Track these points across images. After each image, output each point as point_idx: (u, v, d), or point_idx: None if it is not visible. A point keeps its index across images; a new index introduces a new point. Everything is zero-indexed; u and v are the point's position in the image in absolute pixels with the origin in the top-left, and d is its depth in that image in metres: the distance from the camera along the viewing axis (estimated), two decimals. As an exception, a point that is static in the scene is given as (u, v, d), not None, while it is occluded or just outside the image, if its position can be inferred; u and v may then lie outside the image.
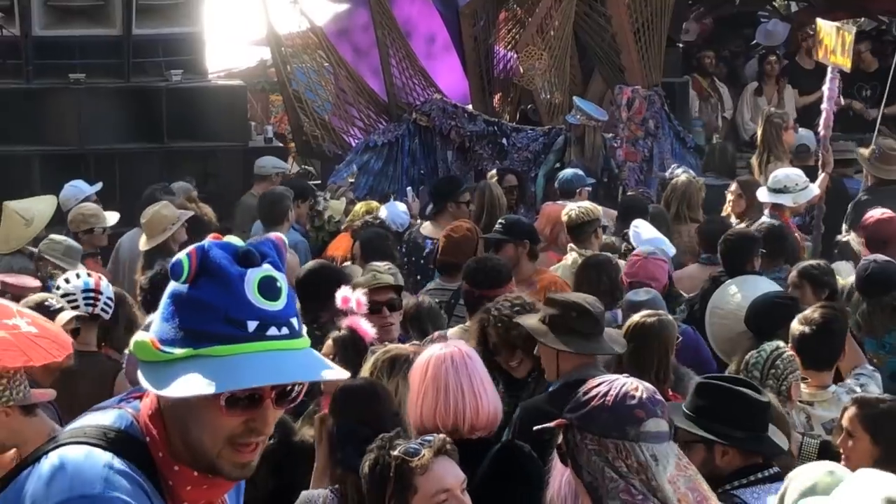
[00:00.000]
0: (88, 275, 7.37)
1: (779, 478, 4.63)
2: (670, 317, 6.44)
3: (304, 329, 2.67)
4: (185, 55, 14.31)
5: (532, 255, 8.50)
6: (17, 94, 13.75)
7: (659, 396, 3.66)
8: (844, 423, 5.33)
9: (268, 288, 2.59)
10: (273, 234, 2.77)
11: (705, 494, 3.56)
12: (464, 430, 4.93)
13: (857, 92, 16.96)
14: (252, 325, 2.56)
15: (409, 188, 12.77)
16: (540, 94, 15.23)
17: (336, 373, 2.66)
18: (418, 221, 11.16)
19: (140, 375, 2.60)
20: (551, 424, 3.68)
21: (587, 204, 9.81)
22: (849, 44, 11.17)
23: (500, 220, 8.84)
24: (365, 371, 5.61)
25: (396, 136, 14.17)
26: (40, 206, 10.43)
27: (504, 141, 13.90)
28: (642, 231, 9.04)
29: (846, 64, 11.24)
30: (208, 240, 2.65)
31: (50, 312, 6.36)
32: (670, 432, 3.59)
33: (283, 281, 2.63)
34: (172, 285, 2.63)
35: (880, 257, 8.15)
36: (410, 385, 5.09)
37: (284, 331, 2.59)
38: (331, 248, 10.57)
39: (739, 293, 8.00)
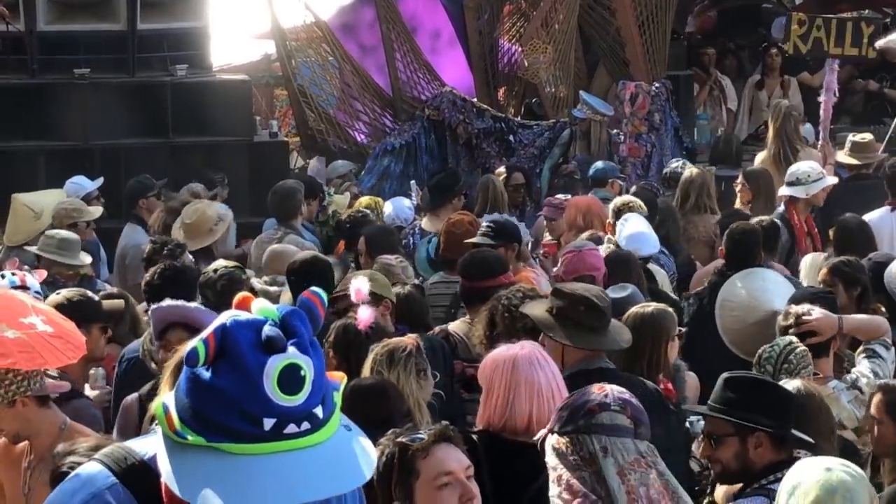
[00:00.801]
0: (13, 273, 7.37)
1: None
2: (668, 309, 6.43)
3: (331, 410, 2.50)
4: (190, 50, 14.28)
5: (520, 256, 8.47)
6: (21, 90, 13.74)
7: (629, 399, 3.64)
8: (872, 410, 5.36)
9: (289, 381, 2.40)
10: (309, 295, 2.62)
11: (663, 492, 3.53)
12: None
13: (878, 82, 16.97)
14: (268, 424, 2.39)
15: (413, 182, 12.77)
16: (544, 87, 15.23)
17: (354, 476, 2.48)
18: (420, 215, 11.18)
19: (158, 443, 2.51)
20: (537, 437, 3.68)
21: (629, 197, 9.80)
22: (867, 35, 11.19)
23: (486, 223, 8.72)
24: (366, 367, 5.63)
25: (413, 136, 14.15)
26: (49, 199, 10.43)
27: (511, 138, 13.88)
28: (626, 226, 9.00)
29: (869, 54, 11.27)
30: (232, 315, 2.47)
31: None
32: (634, 430, 3.57)
33: (307, 367, 2.42)
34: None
35: (880, 256, 8.19)
36: (490, 385, 4.94)
37: (305, 426, 2.42)
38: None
39: (748, 286, 8.02)
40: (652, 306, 6.38)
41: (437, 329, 7.28)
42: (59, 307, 6.27)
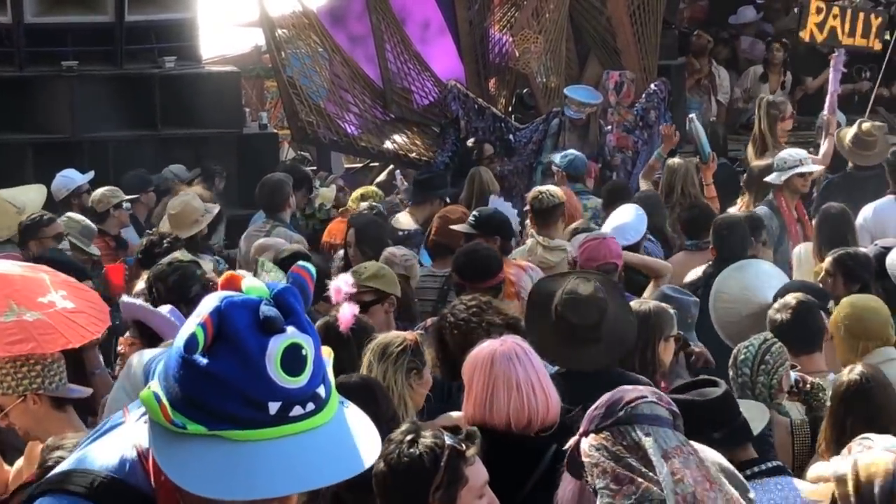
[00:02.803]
0: None
1: (779, 471, 4.59)
2: (667, 309, 6.34)
3: (330, 388, 2.43)
4: (179, 41, 14.23)
5: (503, 249, 8.39)
6: (8, 83, 13.67)
7: (661, 395, 3.61)
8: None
9: (292, 361, 2.32)
10: (299, 271, 2.53)
11: (709, 479, 3.49)
12: (535, 427, 4.82)
13: (856, 73, 16.89)
14: (273, 408, 2.31)
15: (397, 172, 12.74)
16: (536, 77, 15.15)
17: (365, 456, 2.40)
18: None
19: (150, 437, 2.39)
20: (568, 445, 3.63)
21: (553, 187, 9.73)
22: (876, 27, 11.18)
23: (473, 213, 8.67)
24: (365, 353, 5.56)
25: (452, 151, 14.01)
26: (31, 195, 10.40)
27: (511, 137, 13.78)
28: (611, 218, 8.97)
29: (875, 46, 11.27)
30: (224, 296, 2.36)
31: None
32: (672, 421, 3.53)
33: (308, 346, 2.36)
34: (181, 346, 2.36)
35: (889, 241, 8.14)
36: (471, 382, 4.90)
37: (310, 407, 2.34)
38: (327, 235, 10.54)
39: (743, 278, 8.00)
40: (651, 304, 6.33)
41: (428, 321, 7.22)
42: None
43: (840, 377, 5.54)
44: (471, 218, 8.51)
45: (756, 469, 4.57)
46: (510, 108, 15.44)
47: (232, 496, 2.29)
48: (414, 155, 14.56)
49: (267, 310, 2.33)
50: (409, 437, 3.92)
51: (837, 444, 5.36)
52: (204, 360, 2.31)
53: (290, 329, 2.34)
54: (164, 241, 8.36)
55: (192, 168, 13.18)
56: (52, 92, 13.70)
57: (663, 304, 6.42)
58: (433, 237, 8.96)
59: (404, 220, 10.51)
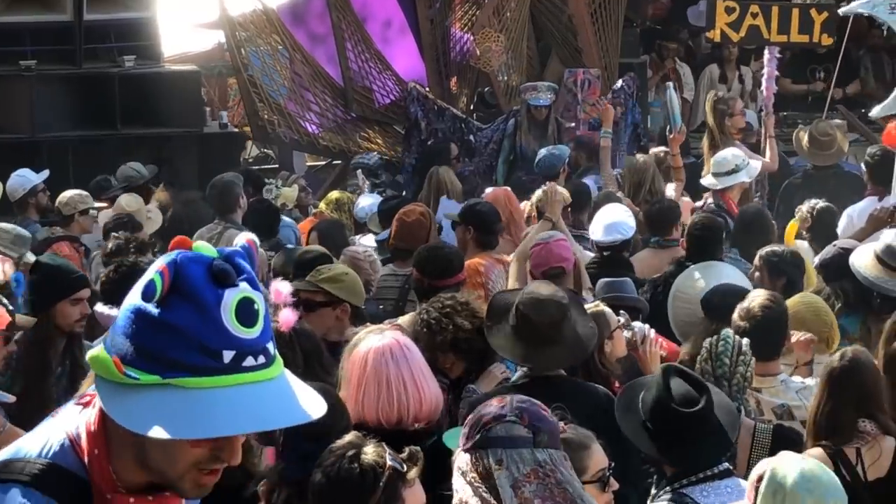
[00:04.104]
0: None
1: (728, 474, 4.60)
2: (602, 311, 6.33)
3: (276, 348, 2.50)
4: (138, 41, 14.18)
5: (478, 242, 8.40)
6: (-33, 82, 13.62)
7: (528, 406, 3.58)
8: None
9: (245, 313, 2.40)
10: (245, 237, 2.61)
11: (566, 501, 3.48)
12: (408, 423, 4.90)
13: (810, 74, 16.97)
14: (228, 356, 2.38)
15: (359, 171, 12.70)
16: (497, 76, 15.17)
17: (308, 409, 2.48)
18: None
19: (100, 397, 2.43)
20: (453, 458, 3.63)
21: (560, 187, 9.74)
22: (820, 22, 11.19)
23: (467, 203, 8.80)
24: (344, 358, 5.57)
25: (418, 152, 13.98)
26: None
27: (471, 138, 13.78)
28: (599, 216, 8.98)
29: (823, 41, 11.29)
30: (179, 251, 2.44)
31: None
32: (533, 438, 3.51)
33: (260, 301, 2.44)
34: (136, 300, 2.42)
35: (848, 242, 8.17)
36: (349, 378, 5.01)
37: (261, 359, 2.42)
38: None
39: (704, 279, 8.00)
40: (597, 307, 6.31)
41: (387, 322, 7.20)
42: None
43: (830, 361, 5.60)
44: (462, 207, 8.66)
45: (709, 472, 4.58)
46: (471, 107, 15.43)
47: (187, 435, 2.36)
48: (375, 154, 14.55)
49: (220, 264, 2.42)
50: (350, 452, 3.85)
51: (828, 431, 5.51)
52: (159, 311, 2.38)
53: (243, 285, 2.43)
54: (131, 245, 8.35)
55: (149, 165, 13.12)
56: (10, 92, 13.62)
57: (600, 308, 6.38)
58: (393, 240, 8.97)
59: (373, 226, 10.50)
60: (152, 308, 2.38)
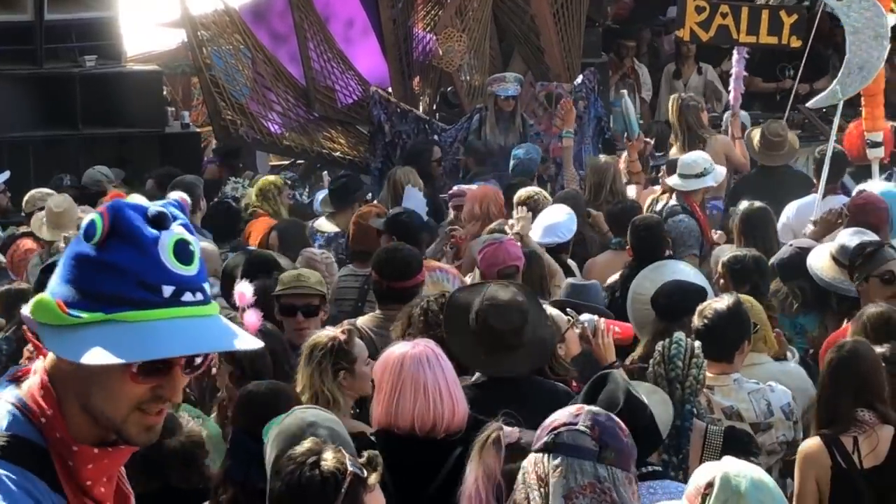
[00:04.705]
0: None
1: (657, 475, 4.63)
2: (556, 314, 6.35)
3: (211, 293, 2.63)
4: (99, 40, 14.17)
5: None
6: (-74, 82, 13.54)
7: (604, 420, 3.61)
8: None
9: (182, 251, 2.53)
10: (177, 195, 2.71)
11: None
12: (440, 431, 4.83)
13: (780, 72, 17.02)
14: (167, 291, 2.50)
15: (325, 172, 12.70)
16: (459, 76, 15.17)
17: (247, 342, 2.59)
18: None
19: (44, 342, 2.52)
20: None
21: (534, 189, 9.76)
22: (790, 24, 11.25)
23: (387, 216, 8.74)
24: (303, 361, 5.57)
25: (384, 156, 13.95)
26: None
27: (436, 138, 13.78)
28: (540, 217, 8.99)
29: (793, 44, 11.36)
30: (115, 200, 2.56)
31: None
32: (598, 452, 3.52)
33: (195, 244, 2.58)
34: (76, 246, 2.54)
35: (804, 242, 8.22)
36: (380, 383, 4.92)
37: (199, 296, 2.55)
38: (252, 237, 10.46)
39: (659, 279, 8.03)
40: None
41: (345, 323, 7.20)
42: None
43: (830, 353, 5.74)
44: (384, 221, 8.57)
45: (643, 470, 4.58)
46: (434, 107, 15.43)
47: (128, 358, 2.46)
48: (338, 154, 14.54)
49: (156, 209, 2.55)
50: (311, 459, 3.82)
51: (827, 420, 5.67)
52: (100, 252, 2.50)
53: (178, 227, 2.56)
54: None
55: (114, 168, 13.08)
56: (-29, 92, 13.56)
57: (549, 310, 6.38)
58: (352, 243, 8.98)
59: (325, 225, 10.46)
60: (93, 251, 2.50)
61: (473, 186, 10.59)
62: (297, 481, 3.79)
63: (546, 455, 3.50)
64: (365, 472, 3.78)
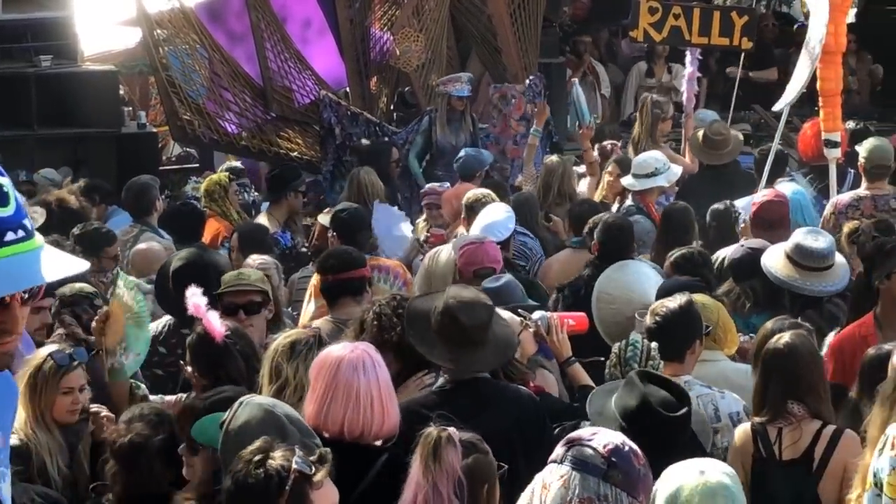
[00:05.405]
0: None
1: None
2: (509, 315, 6.36)
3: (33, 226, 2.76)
4: (55, 40, 14.10)
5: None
6: None
7: (615, 441, 3.70)
8: (890, 371, 5.43)
9: None
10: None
11: None
12: (368, 438, 4.87)
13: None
14: None
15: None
16: (417, 76, 15.17)
17: (71, 267, 2.74)
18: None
19: None
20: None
21: (482, 190, 9.77)
22: (741, 25, 11.32)
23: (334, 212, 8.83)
24: (267, 358, 5.58)
25: (335, 159, 13.93)
26: None
27: (386, 140, 13.79)
28: (480, 216, 9.00)
29: (744, 45, 11.44)
30: None
31: None
32: (604, 470, 3.57)
33: (8, 184, 2.70)
34: None
35: (756, 242, 8.27)
36: (315, 383, 4.95)
37: (20, 233, 2.68)
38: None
39: (623, 278, 8.07)
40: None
41: (305, 326, 7.20)
42: None
43: (768, 344, 5.83)
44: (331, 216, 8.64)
45: None
46: (392, 107, 15.42)
47: None
48: (295, 154, 14.51)
49: None
50: (257, 458, 3.88)
51: (759, 408, 5.79)
52: None
53: None
54: None
55: (73, 169, 13.02)
56: (-76, 92, 13.47)
57: (505, 312, 6.38)
58: (316, 241, 9.00)
59: (263, 220, 10.45)
60: None
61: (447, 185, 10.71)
62: (243, 480, 3.85)
63: (556, 466, 3.55)
64: (313, 469, 3.81)
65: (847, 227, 8.64)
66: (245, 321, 6.79)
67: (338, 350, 4.99)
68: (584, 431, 3.75)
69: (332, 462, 3.89)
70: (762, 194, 9.31)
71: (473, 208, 9.14)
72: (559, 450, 3.68)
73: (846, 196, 9.98)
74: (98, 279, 7.77)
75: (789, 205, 9.20)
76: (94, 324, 6.36)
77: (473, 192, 9.60)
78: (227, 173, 11.94)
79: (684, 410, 4.71)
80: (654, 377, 4.85)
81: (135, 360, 6.41)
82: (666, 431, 4.65)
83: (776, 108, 11.16)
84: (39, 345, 6.53)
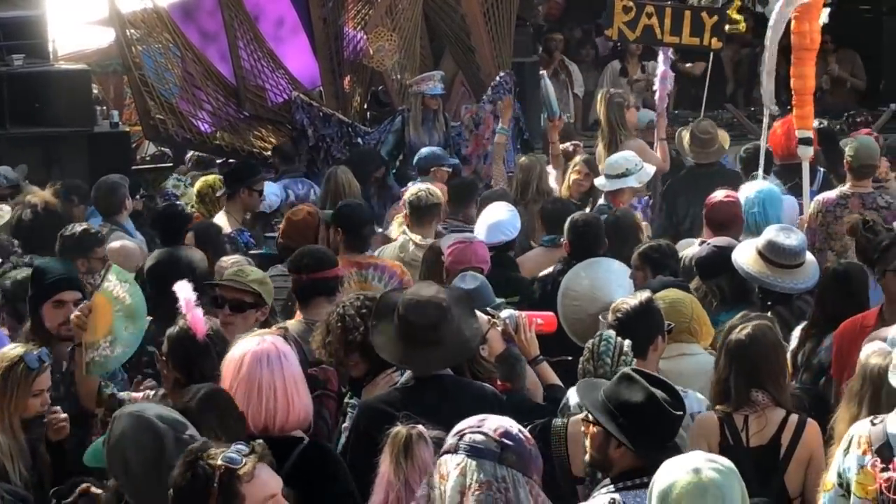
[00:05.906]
0: None
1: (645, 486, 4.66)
2: (482, 318, 6.38)
3: None
4: (27, 39, 14.07)
5: (347, 245, 8.42)
6: None
7: (505, 424, 3.69)
8: (857, 368, 5.57)
9: None
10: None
11: None
12: (273, 430, 4.91)
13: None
14: None
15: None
16: (390, 75, 15.17)
17: None
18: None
19: None
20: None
21: (431, 186, 9.77)
22: (710, 25, 11.37)
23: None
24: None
25: (308, 160, 13.90)
26: None
27: (359, 140, 13.80)
28: (483, 215, 9.03)
29: (713, 45, 11.50)
30: None
31: None
32: (499, 454, 3.59)
33: None
34: None
35: (722, 240, 8.30)
36: (224, 379, 5.02)
37: None
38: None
39: (589, 276, 8.10)
40: None
41: (274, 327, 7.19)
42: None
43: (731, 334, 5.92)
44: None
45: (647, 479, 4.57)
46: (365, 106, 15.42)
47: None
48: (269, 152, 14.48)
49: None
50: (189, 458, 3.96)
51: (722, 397, 5.89)
52: None
53: None
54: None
55: (44, 169, 12.98)
56: None
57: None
58: (281, 239, 8.99)
59: (222, 221, 10.41)
60: None
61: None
62: (177, 483, 3.91)
63: (451, 456, 3.58)
64: (242, 461, 3.85)
65: (848, 220, 8.63)
66: (228, 317, 6.80)
67: (244, 345, 5.08)
68: (470, 420, 3.77)
69: (264, 452, 3.92)
70: (715, 195, 9.30)
71: (412, 204, 9.20)
72: (451, 440, 3.72)
73: (832, 194, 10.02)
74: (87, 280, 7.73)
75: (755, 202, 9.20)
76: (73, 317, 6.32)
77: (415, 187, 9.65)
78: (219, 177, 11.94)
79: (682, 410, 4.73)
80: (649, 376, 4.84)
81: (123, 353, 6.36)
82: (667, 427, 4.66)
83: (773, 110, 11.09)
84: (65, 339, 6.52)
